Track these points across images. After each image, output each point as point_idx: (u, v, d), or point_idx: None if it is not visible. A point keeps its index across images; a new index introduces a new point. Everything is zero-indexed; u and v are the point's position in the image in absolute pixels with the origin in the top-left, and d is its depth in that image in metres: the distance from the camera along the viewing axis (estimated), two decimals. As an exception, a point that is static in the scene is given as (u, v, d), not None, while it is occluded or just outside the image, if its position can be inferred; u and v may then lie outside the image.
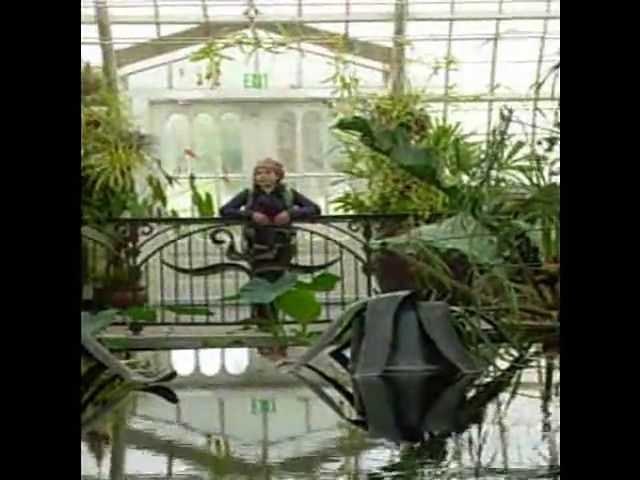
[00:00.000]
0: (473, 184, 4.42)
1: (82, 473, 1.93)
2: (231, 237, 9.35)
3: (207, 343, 7.16)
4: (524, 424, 2.62)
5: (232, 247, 9.34)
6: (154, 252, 9.31)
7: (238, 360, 5.05)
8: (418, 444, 2.50)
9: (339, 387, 3.53)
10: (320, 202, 10.88)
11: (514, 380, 3.61)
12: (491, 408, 3.12)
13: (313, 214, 9.75)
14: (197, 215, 11.16)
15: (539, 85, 4.71)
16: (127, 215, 10.16)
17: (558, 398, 3.00)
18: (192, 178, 11.34)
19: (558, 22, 2.38)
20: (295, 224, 9.55)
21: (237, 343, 7.44)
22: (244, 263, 9.34)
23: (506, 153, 8.03)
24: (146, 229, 9.32)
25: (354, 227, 9.33)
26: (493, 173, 4.32)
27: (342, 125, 5.20)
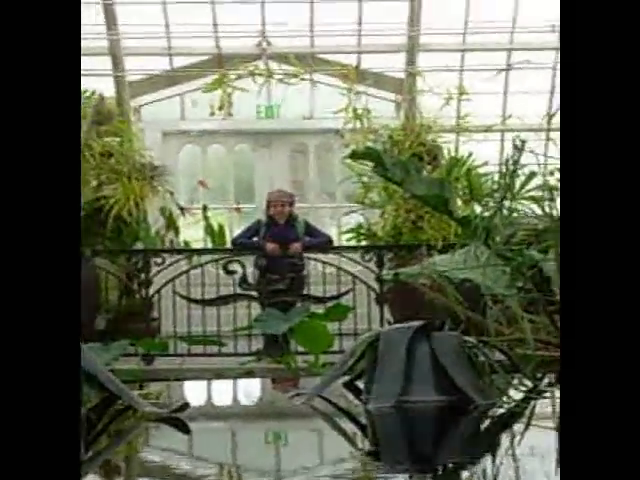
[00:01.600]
0: (486, 214, 4.41)
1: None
2: (243, 268, 9.34)
3: (219, 374, 7.13)
4: (539, 455, 2.61)
5: (244, 278, 9.32)
6: (166, 283, 9.30)
7: (251, 391, 5.03)
8: (433, 476, 2.48)
9: (352, 418, 3.51)
10: (332, 232, 10.87)
11: (528, 411, 3.59)
12: (505, 439, 3.10)
13: (325, 245, 9.74)
14: (209, 246, 11.16)
15: (551, 116, 4.72)
16: (140, 246, 10.17)
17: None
18: (205, 209, 11.37)
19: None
20: (307, 254, 9.54)
21: (250, 374, 7.40)
22: (256, 294, 9.33)
23: (518, 183, 8.02)
24: (158, 260, 9.31)
25: (367, 257, 9.29)
26: (506, 203, 4.31)
27: (354, 156, 5.20)
